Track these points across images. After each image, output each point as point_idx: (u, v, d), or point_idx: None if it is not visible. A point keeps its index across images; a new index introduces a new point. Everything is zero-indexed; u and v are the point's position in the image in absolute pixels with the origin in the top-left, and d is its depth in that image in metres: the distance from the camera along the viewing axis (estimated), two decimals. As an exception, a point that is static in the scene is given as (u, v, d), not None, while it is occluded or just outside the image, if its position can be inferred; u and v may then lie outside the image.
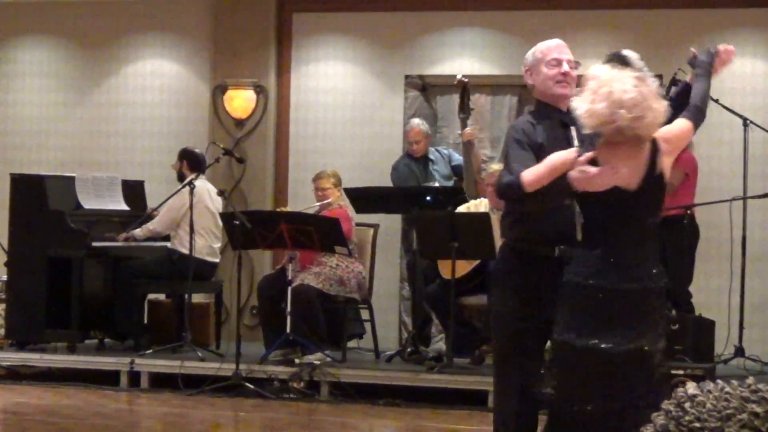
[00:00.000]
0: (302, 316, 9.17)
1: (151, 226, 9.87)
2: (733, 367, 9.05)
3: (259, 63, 11.22)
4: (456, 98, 9.86)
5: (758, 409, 2.55)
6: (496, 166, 9.40)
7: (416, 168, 9.97)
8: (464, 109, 9.66)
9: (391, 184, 10.03)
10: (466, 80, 9.60)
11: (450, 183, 9.93)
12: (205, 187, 9.85)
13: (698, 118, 4.86)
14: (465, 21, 10.96)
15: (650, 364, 4.69)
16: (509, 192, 4.81)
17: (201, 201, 9.70)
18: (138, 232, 9.87)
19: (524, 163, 4.78)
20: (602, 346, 4.64)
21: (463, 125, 9.66)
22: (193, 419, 8.32)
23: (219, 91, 11.30)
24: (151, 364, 9.41)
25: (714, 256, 9.88)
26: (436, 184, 9.77)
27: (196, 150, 10.11)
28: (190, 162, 9.96)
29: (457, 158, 10.03)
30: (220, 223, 9.74)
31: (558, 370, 4.76)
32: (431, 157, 10.02)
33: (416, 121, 10.21)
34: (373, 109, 11.12)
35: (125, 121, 11.61)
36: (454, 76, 9.72)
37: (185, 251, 9.58)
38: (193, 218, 9.49)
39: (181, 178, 9.98)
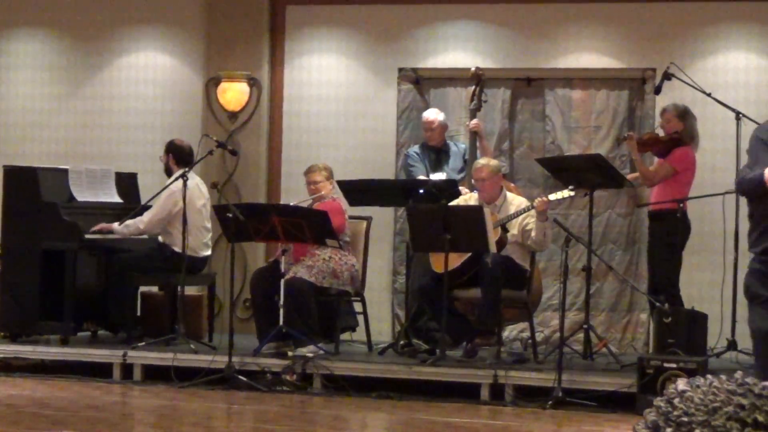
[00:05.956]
0: (295, 308, 9.17)
1: (142, 225, 9.83)
2: (726, 361, 9.07)
3: (253, 55, 11.21)
4: (459, 90, 9.85)
5: (744, 401, 2.61)
6: (483, 161, 9.41)
7: (427, 157, 9.94)
8: (476, 100, 9.67)
9: (384, 177, 10.02)
10: (481, 72, 9.60)
11: (460, 176, 9.88)
12: (194, 182, 9.82)
13: None
14: (459, 14, 10.95)
15: None
16: (750, 186, 5.05)
17: (191, 199, 9.68)
18: (123, 229, 9.84)
19: (767, 162, 5.00)
20: None
21: (472, 116, 9.66)
22: (186, 411, 8.33)
23: (212, 83, 11.29)
24: (143, 356, 9.42)
25: (707, 250, 9.89)
26: (444, 176, 9.74)
27: (184, 143, 10.07)
28: (177, 156, 9.94)
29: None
30: (209, 215, 9.75)
31: None
32: (451, 148, 9.98)
33: (429, 110, 10.20)
34: (367, 101, 11.12)
35: (118, 114, 11.60)
36: (448, 69, 9.73)
37: (177, 249, 9.57)
38: (186, 215, 9.49)
39: (167, 170, 9.97)
